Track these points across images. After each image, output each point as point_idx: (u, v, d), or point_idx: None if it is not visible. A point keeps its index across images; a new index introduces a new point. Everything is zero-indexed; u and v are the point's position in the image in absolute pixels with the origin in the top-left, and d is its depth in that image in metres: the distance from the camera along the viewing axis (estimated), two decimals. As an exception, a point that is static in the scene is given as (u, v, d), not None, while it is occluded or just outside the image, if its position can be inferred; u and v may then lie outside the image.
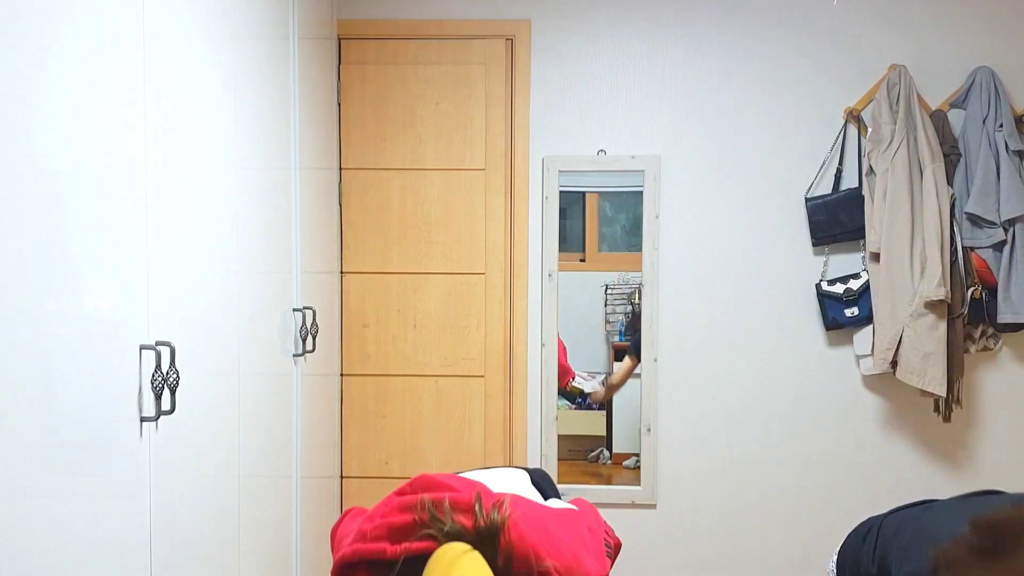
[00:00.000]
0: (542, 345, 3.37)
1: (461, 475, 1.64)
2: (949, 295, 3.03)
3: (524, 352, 3.36)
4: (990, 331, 3.17)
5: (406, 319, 3.34)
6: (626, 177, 3.42)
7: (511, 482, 1.73)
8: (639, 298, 3.43)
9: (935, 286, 3.01)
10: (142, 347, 1.60)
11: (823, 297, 3.23)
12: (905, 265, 3.08)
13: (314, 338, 2.75)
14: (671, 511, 3.37)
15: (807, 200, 3.24)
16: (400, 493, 1.46)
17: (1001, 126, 3.12)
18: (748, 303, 3.32)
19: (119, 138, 1.55)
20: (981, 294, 3.11)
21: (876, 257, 3.15)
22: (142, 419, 1.60)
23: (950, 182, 3.14)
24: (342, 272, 3.32)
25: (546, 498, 1.75)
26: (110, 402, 1.51)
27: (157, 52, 1.67)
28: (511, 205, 3.34)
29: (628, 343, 3.76)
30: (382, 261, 3.35)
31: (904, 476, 3.26)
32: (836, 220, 3.22)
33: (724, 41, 3.30)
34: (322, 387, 3.04)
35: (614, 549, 1.67)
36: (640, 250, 3.36)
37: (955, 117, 3.21)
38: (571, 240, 3.88)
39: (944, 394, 3.06)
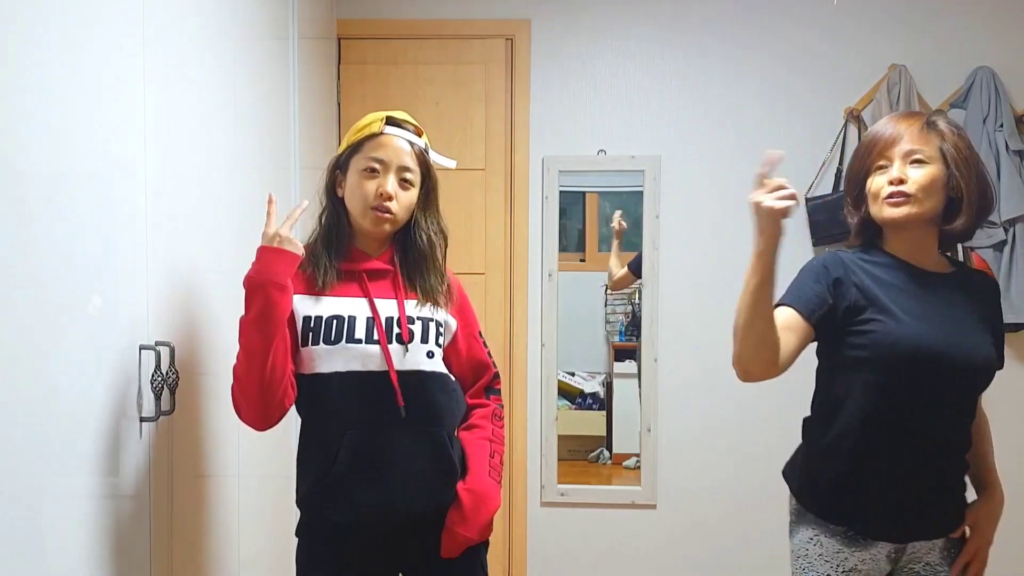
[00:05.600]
0: (542, 345, 3.37)
1: None
2: (949, 295, 3.04)
3: (524, 352, 3.36)
4: (990, 331, 3.17)
5: (406, 319, 3.33)
6: (626, 177, 3.42)
7: None
8: (639, 298, 3.43)
9: (935, 286, 3.02)
10: (142, 347, 1.60)
11: (823, 297, 3.23)
12: (905, 265, 3.08)
13: (314, 338, 2.74)
14: (671, 511, 3.37)
15: (807, 200, 3.23)
16: None
17: (1001, 126, 3.12)
18: (748, 303, 3.31)
19: (119, 138, 1.55)
20: (981, 294, 3.12)
21: (876, 257, 3.15)
22: (142, 419, 1.60)
23: (950, 182, 3.14)
24: (342, 272, 3.31)
25: None
26: (110, 402, 1.51)
27: (157, 52, 1.67)
28: (511, 205, 3.34)
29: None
30: (382, 261, 3.34)
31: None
32: (836, 220, 3.21)
33: (724, 41, 3.30)
34: (322, 387, 3.02)
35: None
36: (640, 250, 3.36)
37: (955, 117, 3.21)
38: (571, 240, 3.88)
39: (944, 394, 3.07)
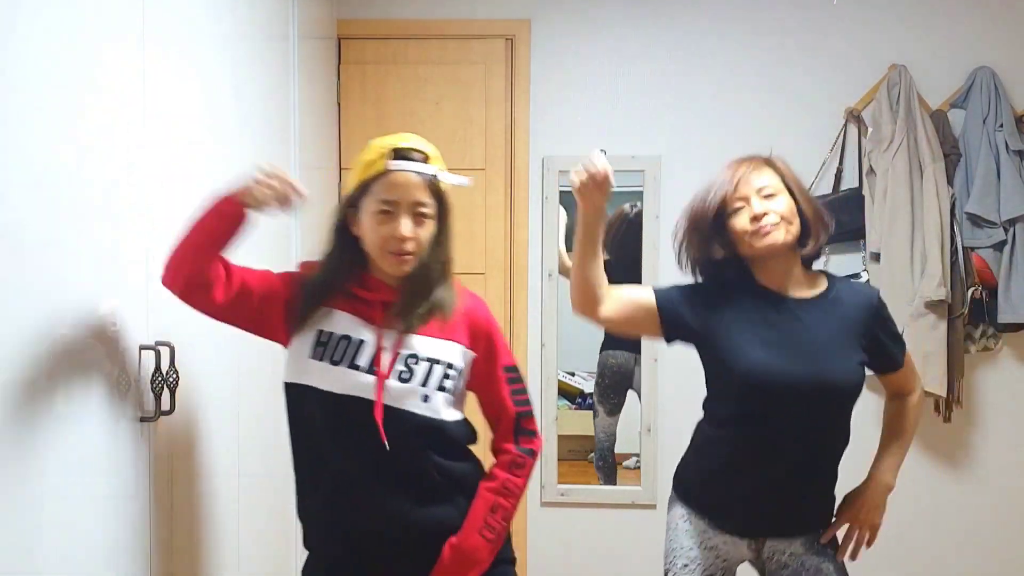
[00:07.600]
0: (542, 345, 3.37)
1: None
2: (949, 295, 3.03)
3: (524, 352, 3.35)
4: (990, 331, 3.16)
5: (406, 319, 3.33)
6: (626, 177, 3.41)
7: None
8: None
9: (935, 286, 3.01)
10: (142, 347, 1.60)
11: (823, 297, 3.23)
12: (905, 265, 3.08)
13: (314, 338, 2.74)
14: (671, 511, 3.37)
15: (807, 200, 3.23)
16: None
17: (1001, 126, 3.12)
18: (748, 303, 3.31)
19: (119, 138, 1.55)
20: (981, 294, 3.11)
21: (876, 257, 3.15)
22: (142, 419, 1.61)
23: (950, 182, 3.14)
24: (342, 272, 3.31)
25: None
26: (110, 402, 1.51)
27: (157, 52, 1.67)
28: (511, 205, 3.34)
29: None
30: (382, 261, 3.34)
31: (904, 476, 3.23)
32: (836, 220, 3.20)
33: (724, 41, 3.30)
34: (322, 387, 3.02)
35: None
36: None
37: (955, 117, 3.21)
38: (571, 240, 3.87)
39: (944, 394, 3.06)
